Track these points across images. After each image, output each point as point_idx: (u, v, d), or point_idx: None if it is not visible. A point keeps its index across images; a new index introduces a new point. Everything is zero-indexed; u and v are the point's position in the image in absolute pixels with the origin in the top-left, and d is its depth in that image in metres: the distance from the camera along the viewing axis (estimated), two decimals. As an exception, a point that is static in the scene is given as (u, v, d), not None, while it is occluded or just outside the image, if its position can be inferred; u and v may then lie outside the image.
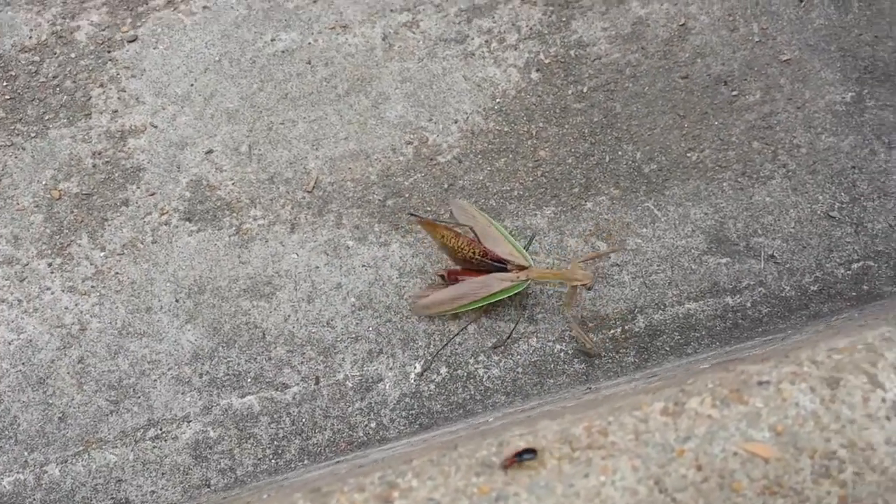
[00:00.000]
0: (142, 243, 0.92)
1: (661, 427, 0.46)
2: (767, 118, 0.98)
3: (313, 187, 0.94)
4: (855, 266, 0.94)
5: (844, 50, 1.01)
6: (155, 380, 0.88)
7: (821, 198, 0.96)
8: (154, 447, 0.87)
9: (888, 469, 0.45)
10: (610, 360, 0.90)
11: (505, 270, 0.88)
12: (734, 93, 0.98)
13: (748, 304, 0.92)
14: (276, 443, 0.87)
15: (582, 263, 0.84)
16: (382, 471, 0.46)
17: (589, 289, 0.83)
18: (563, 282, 0.86)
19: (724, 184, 0.96)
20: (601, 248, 0.94)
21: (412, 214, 0.93)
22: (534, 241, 0.93)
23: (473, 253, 0.88)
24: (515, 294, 0.88)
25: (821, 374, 0.47)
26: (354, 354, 0.90)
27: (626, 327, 0.91)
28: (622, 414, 0.47)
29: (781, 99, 0.99)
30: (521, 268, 0.87)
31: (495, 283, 0.87)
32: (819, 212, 0.95)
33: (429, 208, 0.94)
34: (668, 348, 0.91)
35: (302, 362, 0.89)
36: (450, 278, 0.90)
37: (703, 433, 0.45)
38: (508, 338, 0.90)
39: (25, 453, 0.86)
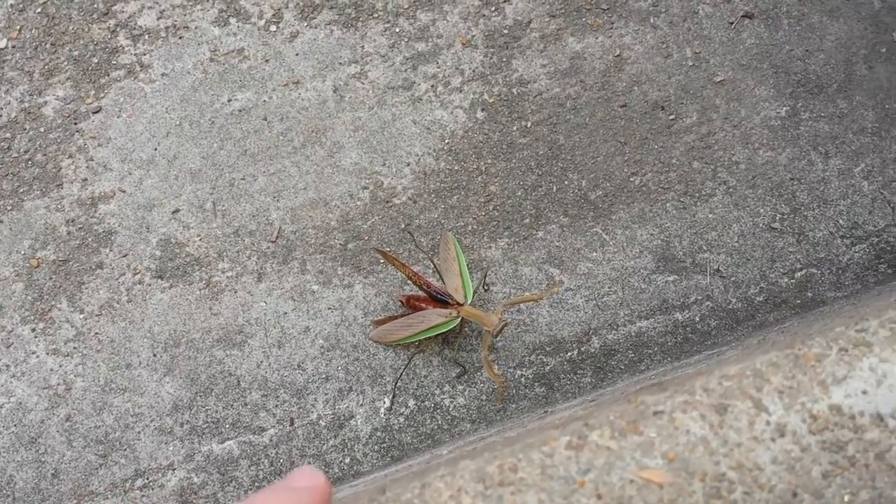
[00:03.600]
0: (118, 303, 0.97)
1: (564, 461, 0.51)
2: (706, 138, 1.03)
3: (277, 237, 1.00)
4: (798, 274, 0.98)
5: (777, 66, 1.06)
6: (139, 432, 0.94)
7: (762, 211, 1.01)
8: (143, 496, 0.92)
9: (775, 487, 0.50)
10: (568, 382, 0.95)
11: (447, 304, 0.93)
12: (672, 117, 1.03)
13: (697, 319, 0.97)
14: (256, 484, 0.92)
15: (502, 308, 0.89)
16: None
17: (494, 336, 0.88)
18: (481, 323, 0.91)
19: (668, 204, 1.01)
20: (554, 274, 0.98)
21: (375, 249, 0.98)
22: (486, 277, 0.98)
23: (419, 283, 0.93)
24: (450, 329, 0.92)
25: (711, 401, 0.52)
26: (326, 394, 0.95)
27: (582, 349, 0.96)
28: (532, 450, 0.52)
29: (718, 119, 1.03)
30: (458, 304, 0.92)
31: (433, 317, 0.92)
32: (761, 224, 1.00)
33: (388, 248, 0.99)
34: (622, 366, 0.95)
35: (276, 405, 0.94)
36: (408, 304, 0.95)
37: (601, 464, 0.50)
38: (464, 371, 0.95)
39: (22, 510, 0.92)
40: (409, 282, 0.96)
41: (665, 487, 0.49)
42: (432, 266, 0.98)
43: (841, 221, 1.01)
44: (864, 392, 0.52)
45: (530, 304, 0.98)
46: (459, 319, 0.93)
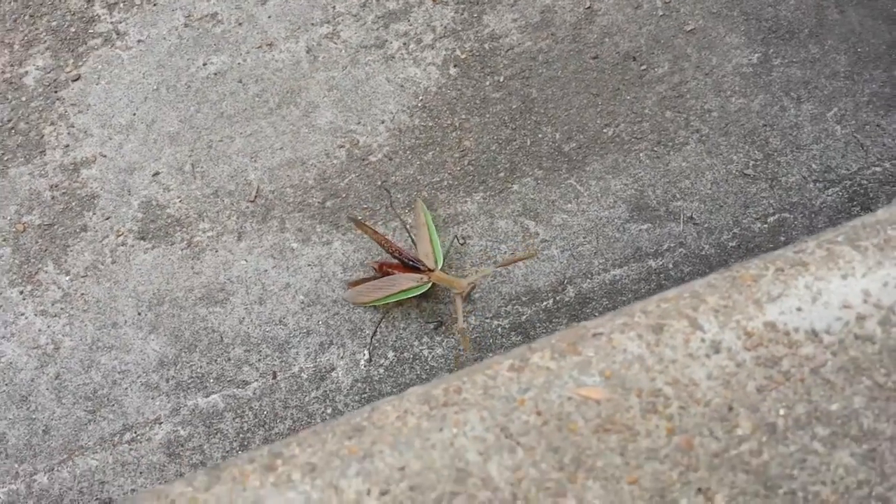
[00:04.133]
0: (102, 264, 0.99)
1: (506, 381, 0.52)
2: (678, 87, 1.04)
3: (255, 197, 1.01)
4: (771, 219, 0.99)
5: (747, 13, 1.06)
6: (126, 388, 0.96)
7: (735, 158, 1.01)
8: (131, 449, 0.95)
9: (711, 401, 0.51)
10: (544, 331, 0.97)
11: (418, 270, 0.94)
12: (643, 67, 1.04)
13: (670, 266, 0.98)
14: (241, 436, 0.95)
15: (477, 274, 0.91)
16: (271, 445, 0.53)
17: (463, 298, 0.90)
18: (451, 288, 0.92)
19: (641, 154, 1.02)
20: (530, 226, 1.00)
21: (349, 217, 0.99)
22: (454, 243, 1.00)
23: (390, 250, 0.95)
24: (421, 294, 0.95)
25: (648, 322, 0.54)
26: (307, 348, 0.97)
27: (558, 298, 0.98)
28: (476, 374, 0.53)
29: (689, 68, 1.04)
30: (429, 270, 0.94)
31: (404, 281, 0.94)
32: (734, 171, 1.01)
33: (365, 205, 1.01)
34: (597, 314, 0.97)
35: (259, 360, 0.97)
36: (380, 270, 0.96)
37: (541, 383, 0.52)
38: (441, 324, 0.97)
39: (16, 465, 0.95)
40: (381, 249, 0.98)
41: (602, 403, 0.51)
42: (405, 228, 1.00)
43: (814, 166, 1.02)
44: (799, 309, 0.54)
45: (523, 261, 0.99)
46: (430, 285, 0.94)
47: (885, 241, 0.55)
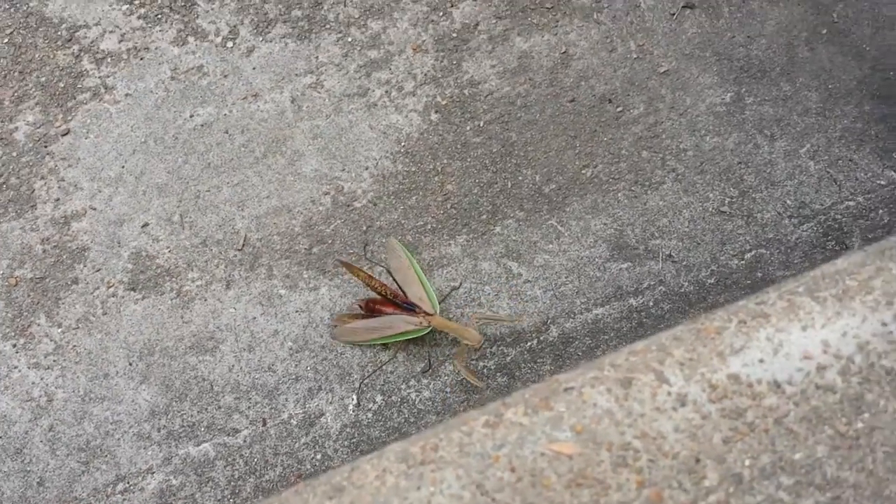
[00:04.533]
0: (94, 316, 1.01)
1: (481, 438, 0.54)
2: (653, 128, 1.06)
3: (243, 245, 1.03)
4: (748, 255, 1.01)
5: (719, 54, 1.09)
6: (118, 438, 0.98)
7: (711, 195, 1.04)
8: (124, 500, 0.96)
9: (679, 454, 0.53)
10: (529, 371, 0.98)
11: (413, 312, 0.96)
12: (619, 109, 1.07)
13: (650, 304, 1.00)
14: (232, 484, 0.96)
15: (476, 324, 0.93)
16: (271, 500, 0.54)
17: (476, 349, 0.92)
18: (457, 337, 0.94)
19: (619, 194, 1.04)
20: (513, 268, 1.02)
21: (338, 260, 1.01)
22: (453, 293, 1.02)
23: (385, 294, 0.97)
24: (418, 337, 0.96)
25: (617, 375, 0.56)
26: (296, 394, 0.99)
27: (541, 338, 1.00)
28: (452, 430, 0.55)
29: (664, 108, 1.07)
30: (427, 314, 0.96)
31: (401, 324, 0.96)
32: (710, 209, 1.03)
33: (351, 250, 1.03)
34: (580, 353, 0.99)
35: (249, 407, 0.98)
36: (367, 308, 0.98)
37: (514, 439, 0.54)
38: (430, 366, 0.99)
39: (11, 519, 0.96)
40: (370, 288, 1.00)
41: (574, 458, 0.53)
42: (389, 273, 1.02)
43: (788, 202, 1.04)
44: (762, 361, 0.56)
45: (500, 323, 1.01)
46: (429, 329, 0.96)
47: (844, 291, 0.57)
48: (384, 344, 0.99)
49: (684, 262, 1.02)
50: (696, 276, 1.02)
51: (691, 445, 0.53)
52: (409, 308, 0.98)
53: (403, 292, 0.99)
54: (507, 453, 0.53)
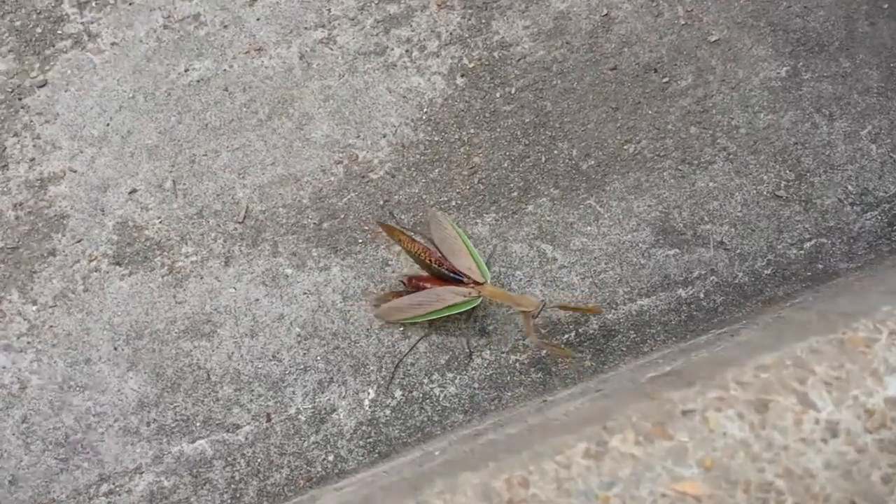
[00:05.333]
0: (73, 293, 0.88)
1: (583, 472, 0.43)
2: (702, 102, 0.95)
3: (244, 217, 0.91)
4: (807, 245, 0.91)
5: (774, 24, 0.98)
6: (102, 433, 0.85)
7: (765, 178, 0.93)
8: (108, 503, 0.83)
9: (831, 496, 0.42)
10: (566, 367, 0.87)
11: (461, 283, 0.84)
12: (665, 79, 0.95)
13: (701, 295, 0.89)
14: (233, 486, 0.84)
15: (529, 297, 0.83)
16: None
17: (534, 316, 0.80)
18: (512, 306, 0.83)
19: (665, 173, 0.93)
20: (547, 251, 0.90)
21: (378, 222, 0.89)
22: (492, 255, 0.91)
23: (430, 260, 0.85)
24: (470, 309, 0.85)
25: (748, 396, 0.45)
26: (305, 386, 0.87)
27: (580, 330, 0.89)
28: (544, 460, 0.44)
29: (714, 81, 0.96)
30: (477, 283, 0.84)
31: (450, 296, 0.85)
32: (765, 192, 0.92)
33: (366, 227, 0.90)
34: (624, 348, 0.88)
35: (251, 400, 0.86)
36: (410, 284, 0.87)
37: (627, 476, 0.42)
38: (470, 354, 0.88)
39: (-26, 523, 0.83)
40: (411, 257, 0.88)
41: (704, 501, 0.42)
42: (432, 244, 0.89)
43: (850, 187, 0.94)
44: (924, 379, 0.45)
45: (578, 311, 0.89)
46: (480, 300, 0.85)
47: None
48: (431, 321, 0.87)
49: (738, 250, 0.92)
50: (752, 266, 0.91)
51: (845, 486, 0.43)
52: (457, 279, 0.86)
53: (448, 261, 0.87)
54: (620, 493, 0.42)
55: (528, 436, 0.50)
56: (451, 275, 0.87)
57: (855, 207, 0.93)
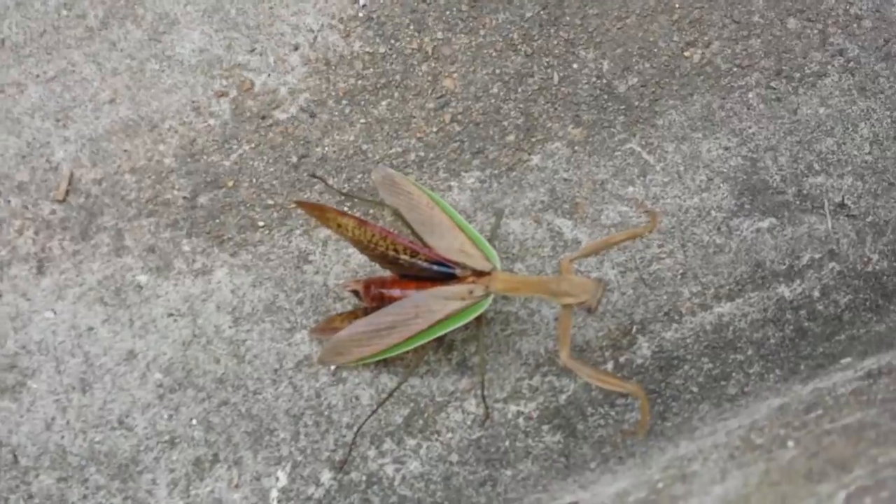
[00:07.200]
0: None
1: None
2: (808, -23, 0.58)
3: (67, 192, 0.54)
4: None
5: None
6: None
7: (906, 97, 0.57)
8: None
9: None
10: (601, 420, 0.51)
11: (454, 279, 0.47)
12: (750, -59, 0.58)
13: (816, 295, 0.55)
14: None
15: (580, 278, 0.45)
16: None
17: (591, 311, 0.43)
18: (549, 298, 0.46)
19: (750, 94, 0.59)
20: (563, 228, 0.54)
21: (295, 201, 0.52)
22: (501, 222, 0.54)
23: (395, 250, 0.47)
24: (475, 318, 0.52)
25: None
26: (172, 469, 0.51)
27: (622, 358, 0.54)
28: None
29: (826, -58, 0.58)
30: (481, 274, 0.47)
31: (439, 302, 0.48)
32: (907, 120, 0.56)
33: (270, 201, 0.53)
34: (694, 389, 0.53)
35: (84, 496, 0.50)
36: (369, 296, 0.50)
37: None
38: (486, 406, 0.52)
39: None
40: (362, 251, 0.51)
41: None
42: (398, 214, 0.52)
43: None
44: None
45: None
46: (490, 300, 0.51)
47: None
48: (416, 350, 0.51)
49: (869, 218, 0.56)
50: (894, 245, 0.55)
51: None
52: (446, 272, 0.51)
53: (427, 246, 0.50)
54: None
55: None
56: (435, 267, 0.51)
57: None
